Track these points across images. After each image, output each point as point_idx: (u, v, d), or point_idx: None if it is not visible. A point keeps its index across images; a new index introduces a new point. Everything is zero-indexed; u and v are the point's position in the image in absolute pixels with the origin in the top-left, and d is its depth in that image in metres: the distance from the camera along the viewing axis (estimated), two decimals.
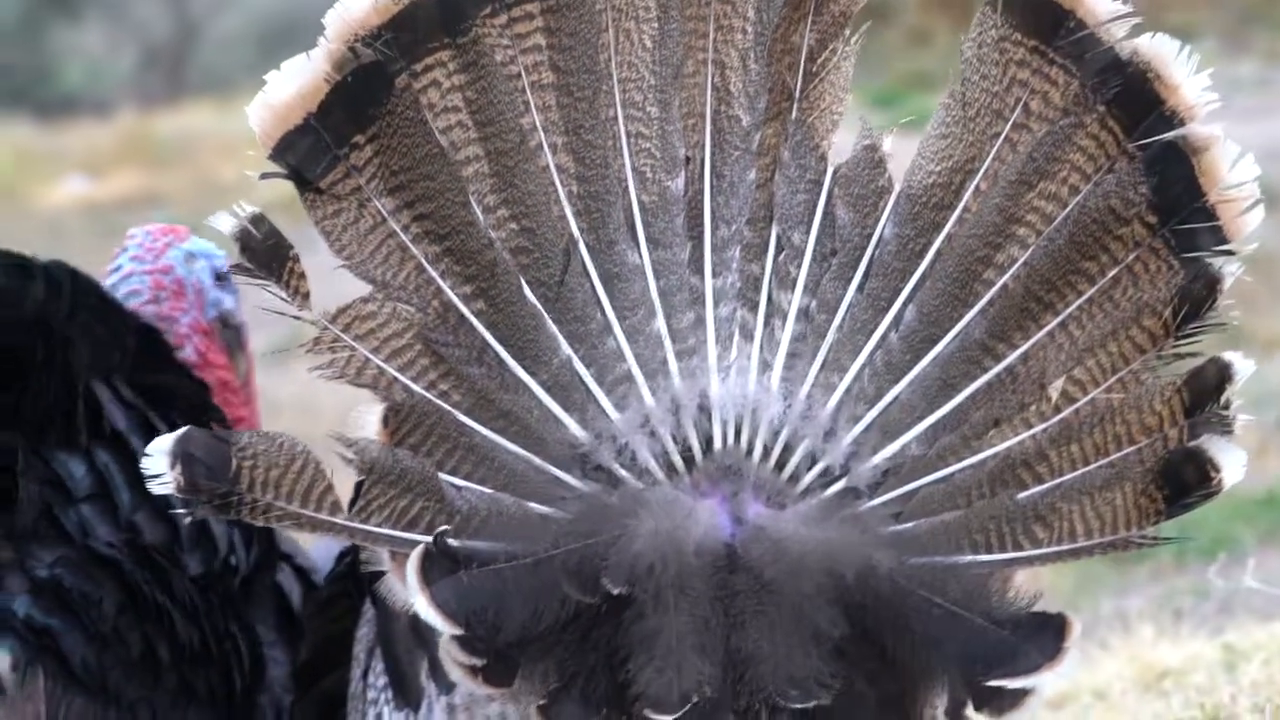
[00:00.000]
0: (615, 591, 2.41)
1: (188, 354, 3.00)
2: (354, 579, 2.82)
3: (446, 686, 2.57)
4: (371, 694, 2.73)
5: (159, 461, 2.40)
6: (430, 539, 2.43)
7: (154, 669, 2.77)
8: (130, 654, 2.76)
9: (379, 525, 2.46)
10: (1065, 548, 2.54)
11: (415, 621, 2.47)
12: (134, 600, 2.77)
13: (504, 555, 2.44)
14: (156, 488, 2.39)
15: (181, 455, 2.41)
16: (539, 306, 2.54)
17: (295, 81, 2.49)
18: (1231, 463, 2.52)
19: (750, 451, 2.54)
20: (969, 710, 2.51)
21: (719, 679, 2.43)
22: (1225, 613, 5.04)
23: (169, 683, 2.78)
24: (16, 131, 12.83)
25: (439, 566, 2.42)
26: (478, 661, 2.41)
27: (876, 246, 2.59)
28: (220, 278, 3.03)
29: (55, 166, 11.27)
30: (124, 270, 3.06)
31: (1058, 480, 2.54)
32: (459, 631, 2.40)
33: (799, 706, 2.44)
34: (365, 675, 2.77)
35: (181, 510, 2.42)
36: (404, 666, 2.63)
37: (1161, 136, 2.53)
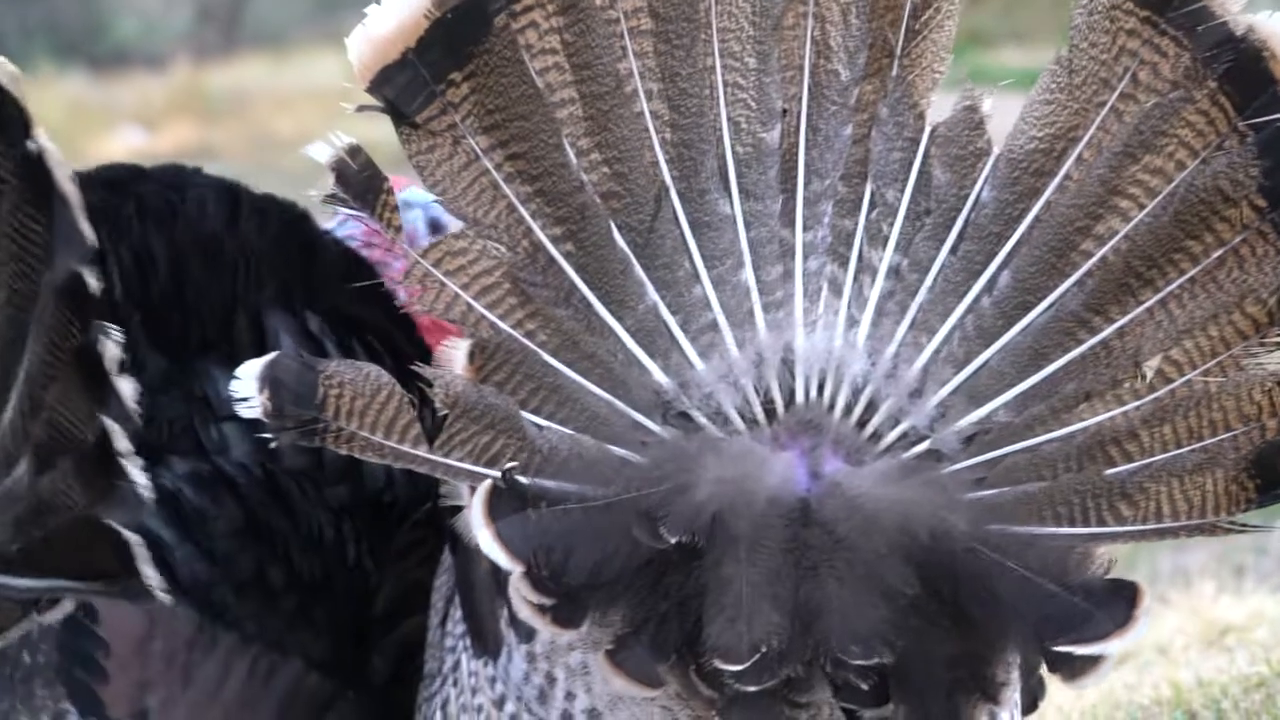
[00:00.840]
0: (673, 539, 2.42)
1: (399, 299, 3.00)
2: (434, 525, 2.81)
3: (526, 634, 2.60)
4: (450, 641, 2.75)
5: (247, 385, 2.42)
6: (498, 474, 2.43)
7: (266, 592, 2.80)
8: (240, 574, 2.79)
9: (460, 460, 2.47)
10: (1150, 527, 2.54)
11: (495, 570, 2.49)
12: (249, 523, 2.79)
13: (576, 496, 2.45)
14: (244, 411, 2.39)
15: (270, 380, 2.44)
16: (628, 251, 2.55)
17: (396, 16, 2.51)
18: None
19: (832, 407, 2.55)
20: (1043, 672, 2.50)
21: (788, 630, 2.43)
22: None
23: (284, 606, 2.81)
24: (70, 84, 12.89)
25: (507, 503, 2.44)
26: (546, 600, 2.43)
27: (973, 209, 2.58)
28: (435, 227, 3.04)
29: (109, 119, 11.33)
30: (340, 215, 3.07)
31: (1147, 460, 2.53)
32: (521, 568, 2.42)
33: (860, 663, 2.43)
34: (444, 623, 2.79)
35: (269, 435, 2.41)
36: (483, 614, 2.65)
37: (1275, 117, 2.51)
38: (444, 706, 2.75)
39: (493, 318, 2.52)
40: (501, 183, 2.53)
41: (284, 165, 10.41)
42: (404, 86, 2.52)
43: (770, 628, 2.43)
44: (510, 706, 2.65)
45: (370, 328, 2.97)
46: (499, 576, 2.53)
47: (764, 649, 2.42)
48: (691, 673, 2.46)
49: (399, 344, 2.96)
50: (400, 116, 2.53)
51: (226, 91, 11.63)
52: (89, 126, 11.18)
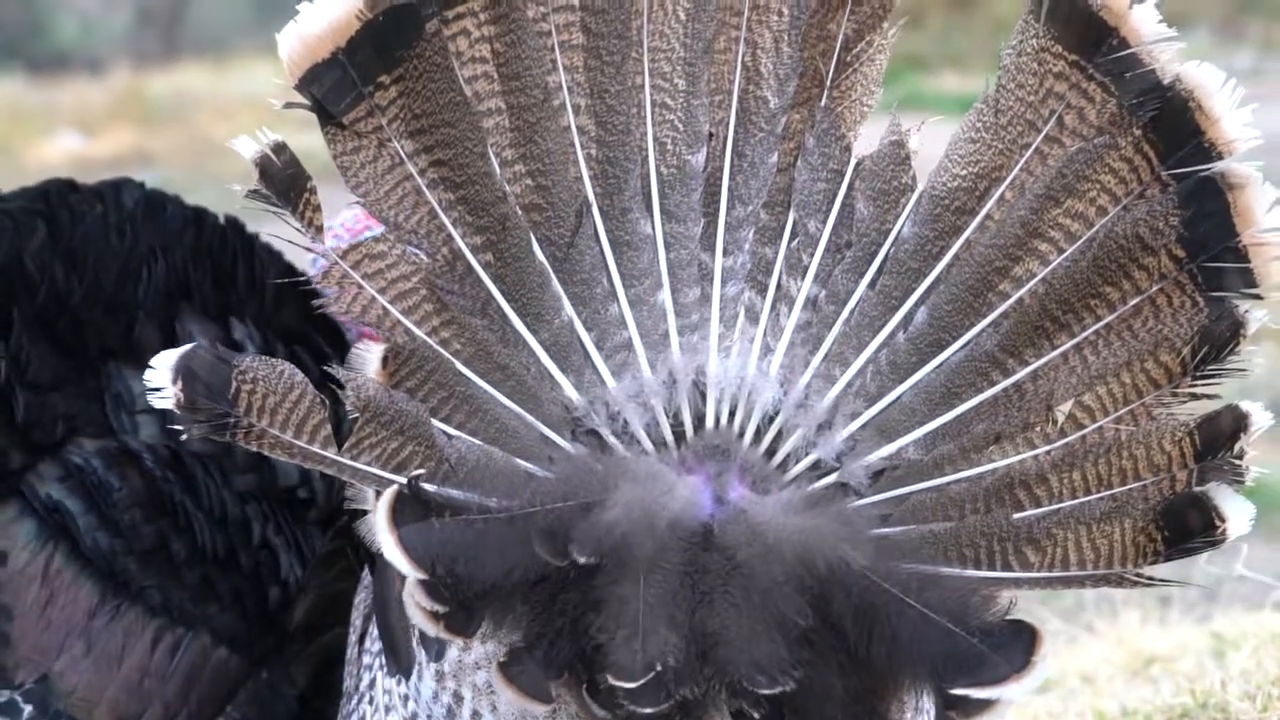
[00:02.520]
0: (582, 559, 2.44)
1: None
2: (355, 536, 2.83)
3: (436, 653, 2.61)
4: (366, 659, 2.77)
5: (161, 375, 2.42)
6: (403, 480, 2.45)
7: (170, 563, 2.83)
8: (143, 544, 2.83)
9: (368, 464, 2.48)
10: (1055, 574, 2.56)
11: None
12: (152, 495, 2.83)
13: (480, 508, 2.46)
14: (157, 402, 2.40)
15: (183, 371, 2.44)
16: (546, 265, 2.58)
17: (327, 15, 2.54)
18: (1238, 514, 2.54)
19: (742, 434, 2.58)
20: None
21: (683, 652, 2.45)
22: (1212, 600, 5.05)
23: (188, 579, 2.85)
24: (8, 87, 12.84)
25: (411, 510, 2.45)
26: (440, 608, 2.44)
27: (893, 244, 2.61)
28: None
29: (47, 123, 11.28)
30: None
31: (1056, 505, 2.56)
32: (423, 576, 2.43)
33: (763, 692, 2.45)
34: (361, 640, 2.80)
35: (179, 427, 2.42)
36: (397, 633, 2.66)
37: (1198, 168, 2.54)
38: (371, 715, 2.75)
39: (408, 323, 2.53)
40: (424, 188, 2.55)
41: (223, 172, 10.39)
42: (332, 86, 2.53)
43: (666, 648, 2.45)
44: None
45: (298, 336, 3.00)
46: None
47: (658, 668, 2.44)
48: (584, 691, 2.47)
49: (326, 352, 2.98)
50: (327, 116, 2.55)
51: (166, 98, 11.61)
52: (27, 130, 11.13)
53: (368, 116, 2.54)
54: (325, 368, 2.49)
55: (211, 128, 10.95)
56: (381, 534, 2.44)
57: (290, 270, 3.06)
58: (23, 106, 11.64)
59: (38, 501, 2.84)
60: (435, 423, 2.50)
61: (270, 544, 2.95)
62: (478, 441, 2.51)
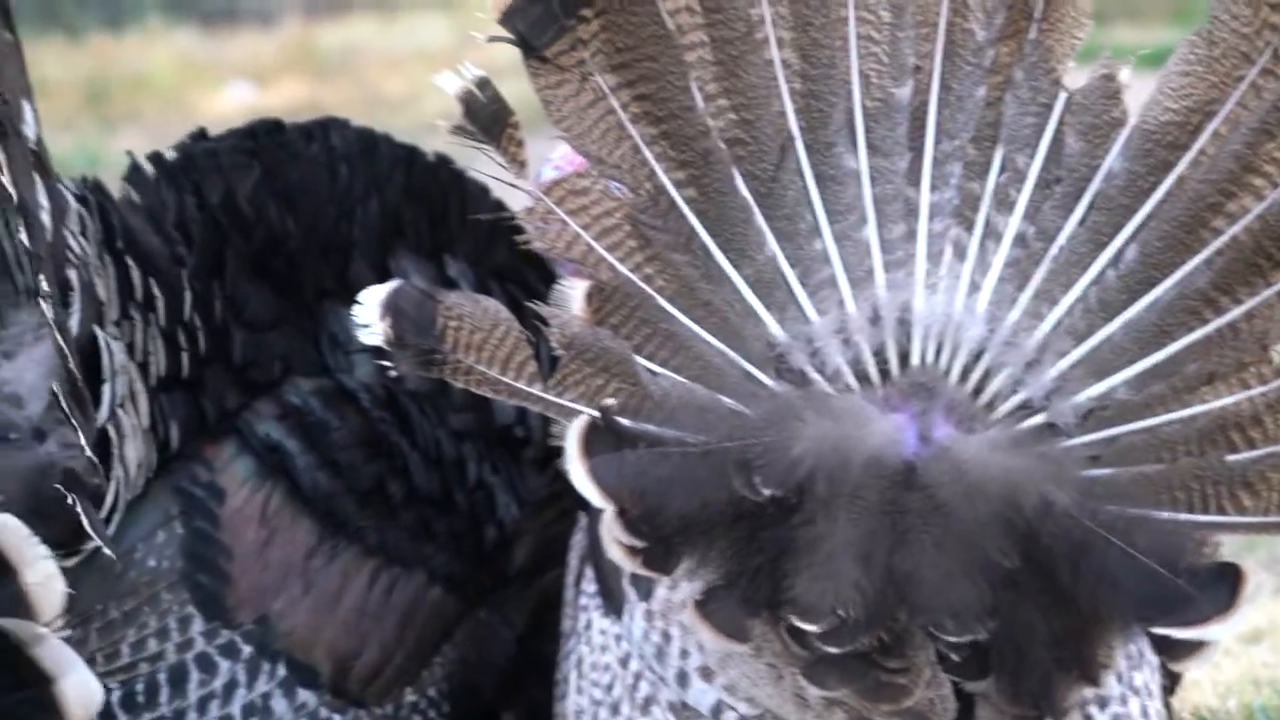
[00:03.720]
0: (766, 493, 2.42)
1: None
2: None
3: (645, 592, 2.63)
4: (583, 600, 2.79)
5: (369, 312, 2.43)
6: (596, 411, 2.45)
7: (386, 504, 2.86)
8: (360, 485, 2.85)
9: (573, 400, 2.49)
10: (1271, 520, 2.51)
11: None
12: (370, 435, 2.86)
13: (676, 442, 2.46)
14: (365, 338, 2.42)
15: (391, 307, 2.45)
16: (750, 200, 2.57)
17: None
18: None
19: (947, 371, 2.55)
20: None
21: (875, 595, 2.43)
22: None
23: (405, 519, 2.87)
24: (181, 39, 12.98)
25: (603, 441, 2.45)
26: (637, 543, 2.43)
27: (1104, 180, 2.57)
28: None
29: (219, 75, 11.38)
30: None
31: (1272, 448, 2.50)
32: (612, 507, 2.42)
33: (954, 639, 2.43)
34: (577, 582, 2.81)
35: (388, 364, 2.44)
36: (610, 572, 2.67)
37: None
38: (578, 665, 2.79)
39: (612, 260, 2.54)
40: (627, 123, 2.55)
41: (393, 124, 10.44)
42: (535, 19, 2.54)
43: (855, 589, 2.43)
44: (634, 665, 2.68)
45: (510, 273, 3.02)
46: None
47: (844, 611, 2.42)
48: (783, 630, 2.46)
49: (537, 289, 2.99)
50: (529, 49, 2.56)
51: (336, 49, 11.69)
52: (199, 82, 11.24)
53: (570, 50, 2.55)
54: (529, 304, 2.49)
55: (381, 79, 11.00)
56: (572, 463, 2.44)
57: (499, 207, 3.07)
58: (195, 59, 11.75)
59: (255, 440, 2.88)
60: (639, 359, 2.50)
61: (486, 483, 2.97)
62: (680, 378, 2.51)
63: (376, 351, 2.46)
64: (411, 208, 3.05)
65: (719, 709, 2.62)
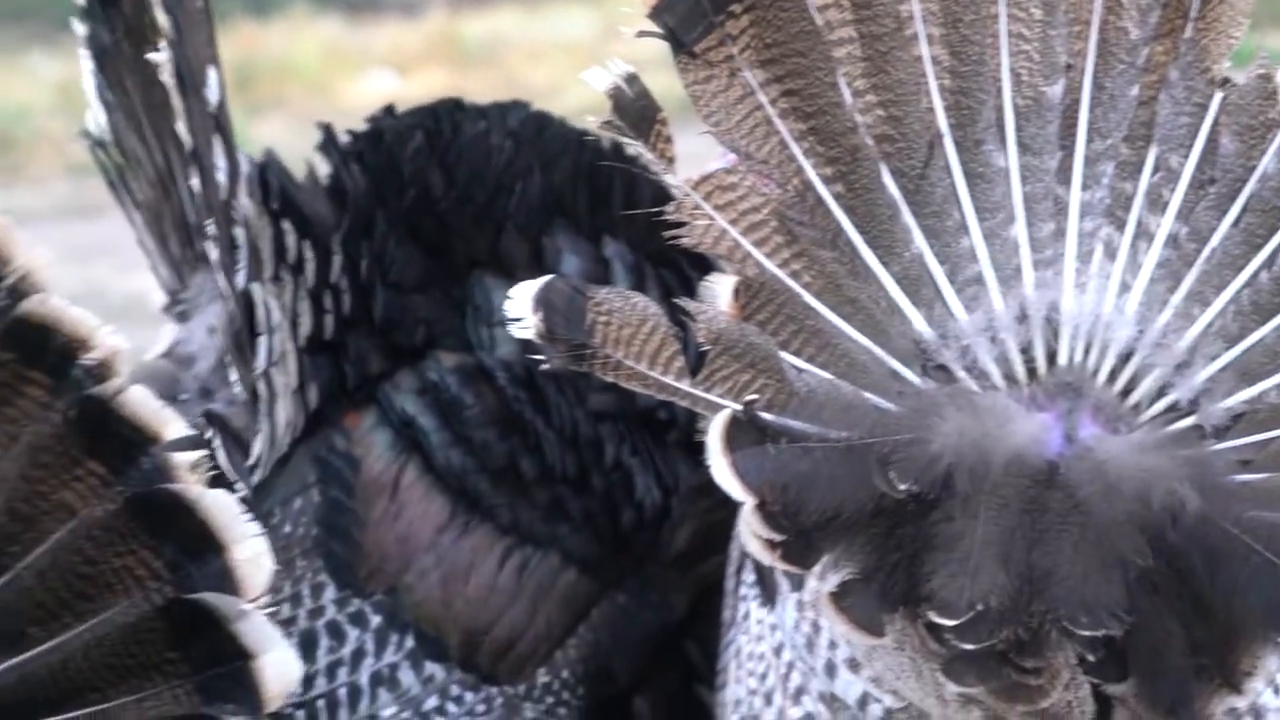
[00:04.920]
0: (905, 488, 2.43)
1: None
2: None
3: (797, 583, 2.65)
4: (742, 590, 2.80)
5: (520, 306, 2.46)
6: (739, 406, 2.46)
7: (520, 483, 2.88)
8: (493, 464, 2.88)
9: (720, 396, 2.49)
10: None
11: None
12: (504, 413, 2.89)
13: (819, 438, 2.46)
14: (517, 332, 2.44)
15: (542, 302, 2.47)
16: (898, 197, 2.57)
17: None
18: None
19: (1095, 372, 2.54)
20: None
21: (1012, 593, 2.42)
22: None
23: (539, 499, 2.90)
24: (325, 27, 13.10)
25: (746, 435, 2.45)
26: (776, 536, 2.44)
27: (1259, 181, 2.55)
28: None
29: (362, 62, 11.49)
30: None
31: None
32: (753, 500, 2.43)
33: (1089, 634, 2.41)
34: (738, 572, 2.82)
35: (538, 357, 2.46)
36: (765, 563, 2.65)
37: None
38: (737, 654, 2.81)
39: (759, 255, 2.54)
40: (775, 118, 2.56)
41: None
42: (684, 15, 2.55)
43: (993, 586, 2.42)
44: (787, 654, 2.70)
45: (667, 261, 3.03)
46: None
47: (982, 606, 2.42)
48: (919, 625, 2.47)
49: (690, 278, 3.01)
50: (679, 45, 2.56)
51: (480, 40, 11.76)
52: (342, 69, 11.36)
53: (719, 45, 2.55)
54: (674, 300, 2.51)
55: (524, 71, 11.06)
56: (714, 457, 2.44)
57: (665, 196, 3.08)
58: (339, 47, 11.87)
59: (393, 413, 2.91)
60: (784, 355, 2.51)
61: (625, 465, 2.99)
62: (826, 375, 2.51)
63: (527, 345, 2.49)
64: (575, 188, 3.08)
65: (865, 700, 2.63)
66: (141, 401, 2.23)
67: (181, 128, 2.76)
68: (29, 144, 10.77)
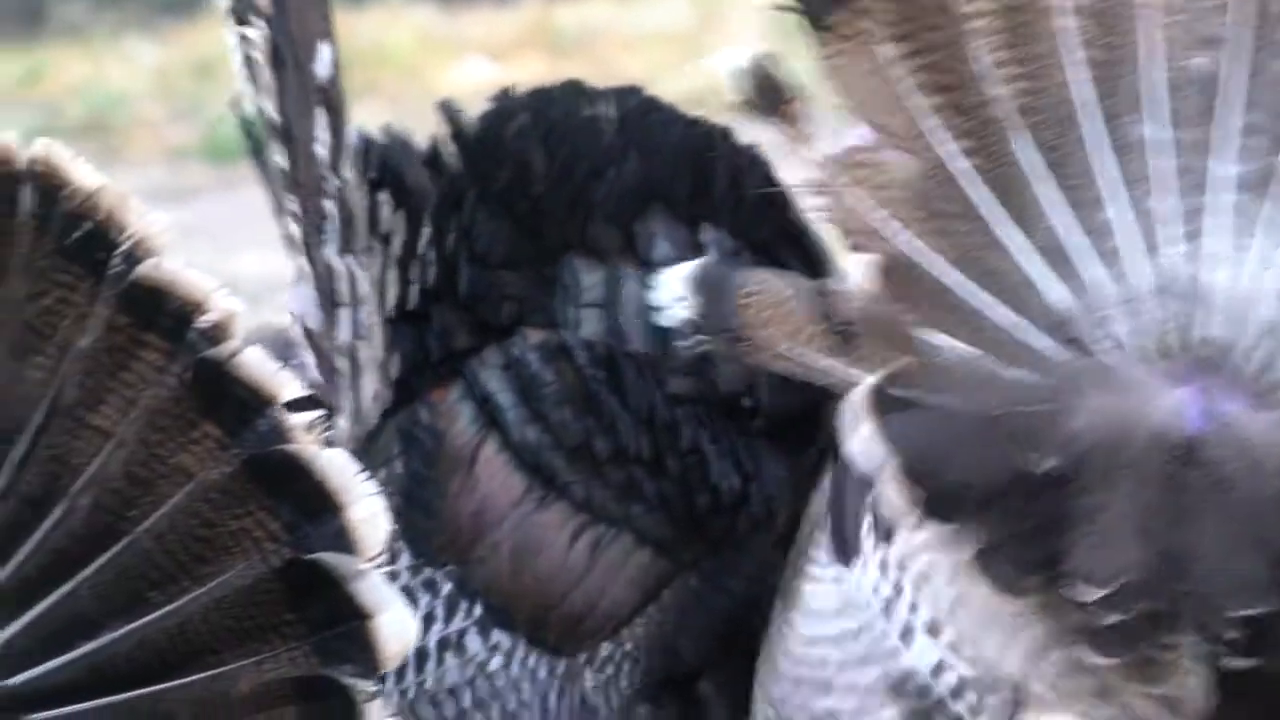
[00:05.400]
0: (1045, 462, 2.42)
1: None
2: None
3: (880, 544, 2.62)
4: (811, 551, 2.78)
5: (667, 290, 2.47)
6: (881, 376, 2.47)
7: (593, 462, 2.89)
8: (569, 441, 2.90)
9: (864, 372, 2.51)
10: None
11: (867, 480, 2.53)
12: (581, 393, 2.91)
13: (961, 408, 2.46)
14: (663, 318, 2.46)
15: (692, 284, 2.52)
16: (1037, 169, 2.55)
17: None
18: None
19: (1235, 347, 2.52)
20: None
21: (1151, 568, 2.41)
22: None
23: (612, 479, 2.90)
24: (420, 14, 13.16)
25: (889, 403, 2.46)
26: (921, 493, 2.44)
27: None
28: None
29: (456, 50, 11.53)
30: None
31: None
32: (897, 463, 2.44)
33: (1231, 614, 2.40)
34: (808, 537, 2.80)
35: (686, 341, 2.47)
36: (847, 522, 2.67)
37: None
38: (799, 610, 2.77)
39: (897, 230, 2.54)
40: (912, 91, 2.55)
41: None
42: None
43: (1135, 560, 2.41)
44: (858, 616, 2.67)
45: (768, 249, 3.02)
46: (867, 484, 2.57)
47: (1125, 579, 2.40)
48: (1051, 596, 2.45)
49: (790, 267, 3.00)
50: (814, 19, 2.57)
51: (574, 28, 11.79)
52: (437, 57, 11.40)
53: (854, 19, 2.55)
54: (817, 281, 2.53)
55: (618, 59, 11.07)
56: (859, 422, 2.45)
57: (770, 180, 3.08)
58: (433, 34, 11.92)
59: (476, 388, 2.93)
60: (926, 330, 2.51)
61: (702, 449, 2.98)
62: (966, 348, 2.51)
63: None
64: (677, 173, 3.07)
65: (939, 668, 2.61)
66: (257, 363, 2.22)
67: (268, 103, 2.77)
68: (126, 128, 10.86)
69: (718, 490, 2.98)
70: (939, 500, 2.45)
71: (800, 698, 2.70)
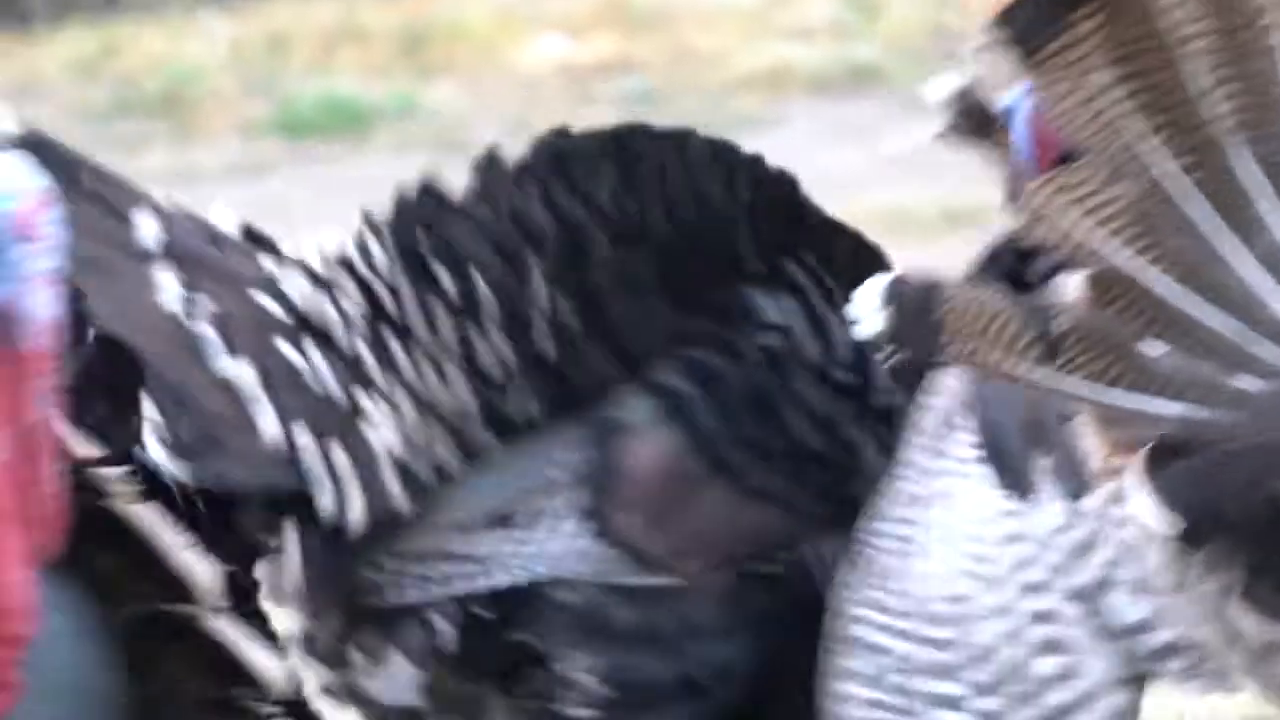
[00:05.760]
0: None
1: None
2: None
3: (1072, 493, 2.73)
4: (944, 464, 2.89)
5: (866, 303, 2.52)
6: (1156, 438, 2.56)
7: (764, 451, 3.09)
8: (743, 433, 3.08)
9: (1076, 384, 2.59)
10: None
11: (1032, 424, 2.68)
12: (753, 389, 3.10)
13: (1193, 424, 2.54)
14: (860, 331, 2.53)
15: (889, 298, 2.54)
16: (1255, 183, 2.62)
17: None
18: None
19: None
20: None
21: None
22: None
23: (781, 467, 3.10)
24: None
25: (1160, 458, 2.56)
26: (1174, 521, 2.53)
27: None
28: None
29: (533, 26, 11.55)
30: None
31: None
32: (1179, 527, 2.54)
33: None
34: (934, 444, 2.93)
35: (884, 354, 2.55)
36: (1016, 460, 2.79)
37: None
38: (937, 530, 2.88)
39: (1113, 247, 2.61)
40: (1127, 115, 2.63)
41: (702, 81, 10.55)
42: (1030, 21, 2.62)
43: None
44: (1026, 548, 2.78)
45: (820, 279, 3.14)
46: (1038, 430, 2.72)
47: None
48: None
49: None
50: (1025, 51, 2.64)
51: (650, 5, 11.81)
52: (513, 33, 11.43)
53: (1065, 49, 2.62)
54: (1027, 295, 2.58)
55: (693, 36, 11.09)
56: (1136, 489, 2.54)
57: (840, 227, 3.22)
58: (510, 11, 11.94)
59: (656, 384, 3.11)
60: (1143, 343, 2.59)
61: (856, 441, 3.13)
62: (1186, 360, 2.60)
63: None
64: (753, 214, 3.17)
65: (1141, 627, 2.73)
66: None
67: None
68: (201, 103, 10.90)
69: (874, 480, 3.11)
70: (1195, 530, 2.53)
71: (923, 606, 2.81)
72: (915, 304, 2.58)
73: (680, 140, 3.24)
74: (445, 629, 3.05)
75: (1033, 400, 2.75)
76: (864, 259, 3.21)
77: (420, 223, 3.18)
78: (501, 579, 3.04)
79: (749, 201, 3.21)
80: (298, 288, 3.14)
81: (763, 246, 3.20)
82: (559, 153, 3.20)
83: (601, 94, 10.85)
